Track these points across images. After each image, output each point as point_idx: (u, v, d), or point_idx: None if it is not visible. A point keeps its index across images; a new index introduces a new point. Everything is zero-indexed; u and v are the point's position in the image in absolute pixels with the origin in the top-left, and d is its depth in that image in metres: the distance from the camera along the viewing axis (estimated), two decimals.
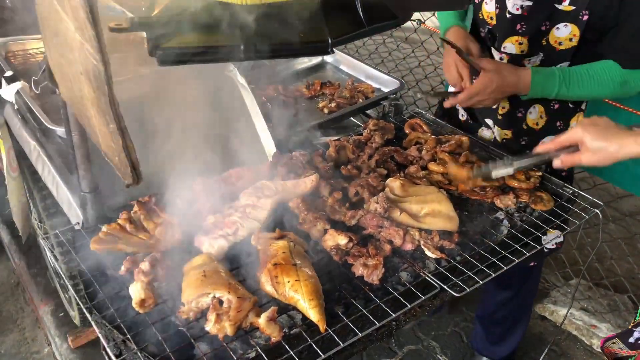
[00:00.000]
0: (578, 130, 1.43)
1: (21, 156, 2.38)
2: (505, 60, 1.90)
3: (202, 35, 0.97)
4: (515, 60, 1.87)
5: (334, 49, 1.00)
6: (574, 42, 1.75)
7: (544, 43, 1.80)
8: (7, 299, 3.15)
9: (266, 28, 0.98)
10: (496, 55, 1.93)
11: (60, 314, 2.91)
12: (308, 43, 0.98)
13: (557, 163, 1.49)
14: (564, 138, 1.47)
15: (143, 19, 0.97)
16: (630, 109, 2.20)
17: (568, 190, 1.73)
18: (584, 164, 1.43)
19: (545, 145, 1.55)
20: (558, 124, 1.97)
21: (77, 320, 2.72)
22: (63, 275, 1.41)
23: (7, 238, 3.41)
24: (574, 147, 1.46)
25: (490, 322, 2.52)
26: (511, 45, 1.85)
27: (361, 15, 1.04)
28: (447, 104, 1.92)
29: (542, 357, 2.54)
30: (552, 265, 3.21)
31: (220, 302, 1.21)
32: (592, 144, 1.39)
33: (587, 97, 1.88)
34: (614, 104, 2.23)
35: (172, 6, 1.02)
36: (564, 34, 1.75)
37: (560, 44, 1.78)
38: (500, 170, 1.62)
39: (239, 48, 0.95)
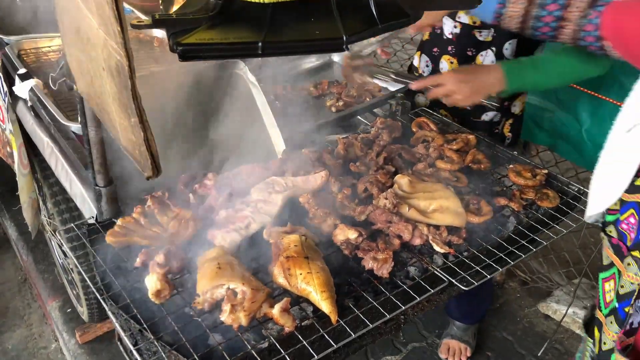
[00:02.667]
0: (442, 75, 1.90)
1: (32, 153, 2.41)
2: (458, 29, 2.05)
3: (221, 32, 0.99)
4: (468, 29, 2.02)
5: (348, 46, 1.02)
6: None
7: None
8: (15, 295, 3.18)
9: (283, 25, 1.01)
10: (450, 22, 2.06)
11: (68, 310, 2.94)
12: (323, 40, 1.01)
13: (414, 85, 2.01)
14: (433, 78, 1.93)
15: (163, 15, 1.00)
16: (611, 99, 2.18)
17: (573, 187, 1.76)
18: (449, 93, 1.88)
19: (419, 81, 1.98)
20: (505, 103, 2.16)
21: (85, 316, 2.75)
22: (79, 268, 1.43)
23: (15, 235, 3.44)
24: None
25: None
26: (465, 15, 2.01)
27: (374, 13, 1.07)
28: (413, 85, 2.05)
29: (541, 351, 2.56)
30: (555, 264, 3.23)
31: (235, 294, 1.24)
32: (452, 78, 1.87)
33: (567, 77, 1.94)
34: (593, 93, 2.20)
35: (191, 3, 1.05)
36: None
37: None
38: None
39: (257, 45, 0.98)
